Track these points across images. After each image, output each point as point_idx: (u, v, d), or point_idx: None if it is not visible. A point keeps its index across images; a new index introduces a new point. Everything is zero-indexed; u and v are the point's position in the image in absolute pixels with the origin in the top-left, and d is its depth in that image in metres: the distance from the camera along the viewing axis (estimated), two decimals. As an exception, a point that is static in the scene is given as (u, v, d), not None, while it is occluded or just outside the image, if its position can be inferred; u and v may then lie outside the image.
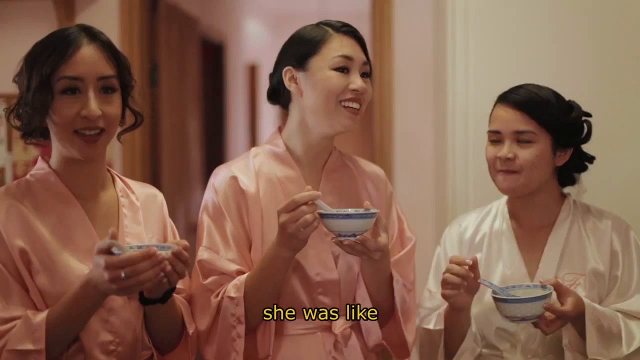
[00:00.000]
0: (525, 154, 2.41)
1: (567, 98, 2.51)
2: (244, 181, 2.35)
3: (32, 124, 2.03)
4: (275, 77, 2.42)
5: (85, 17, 4.16)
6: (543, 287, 2.31)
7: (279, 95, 2.43)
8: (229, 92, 7.25)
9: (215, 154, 6.58)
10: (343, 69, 2.30)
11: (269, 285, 2.24)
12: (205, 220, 2.35)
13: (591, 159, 2.55)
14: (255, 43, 8.49)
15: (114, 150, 4.16)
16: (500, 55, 3.39)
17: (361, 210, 2.19)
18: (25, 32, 4.05)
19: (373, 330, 2.37)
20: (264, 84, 8.62)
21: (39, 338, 1.89)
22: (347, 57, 2.30)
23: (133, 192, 2.19)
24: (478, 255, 2.49)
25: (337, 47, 2.30)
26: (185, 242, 1.97)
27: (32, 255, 1.96)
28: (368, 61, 2.35)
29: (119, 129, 2.13)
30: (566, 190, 2.58)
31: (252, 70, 8.50)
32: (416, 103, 4.07)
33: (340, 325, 2.35)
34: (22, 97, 2.02)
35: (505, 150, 2.42)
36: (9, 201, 2.01)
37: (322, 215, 2.16)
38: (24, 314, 1.92)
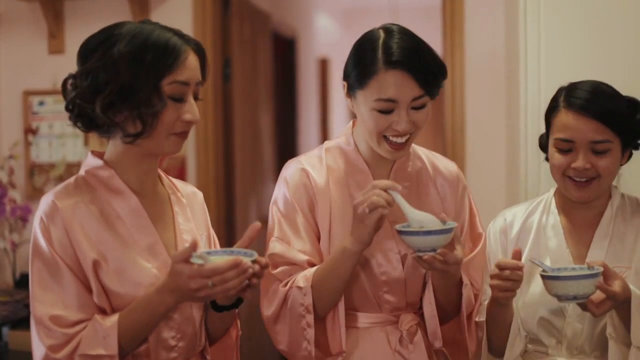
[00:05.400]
0: (603, 163, 2.37)
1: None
2: (314, 175, 2.36)
3: (124, 128, 1.98)
4: None
5: (159, 13, 4.22)
6: (590, 268, 2.27)
7: None
8: (301, 86, 7.28)
9: (287, 147, 6.62)
10: (386, 111, 2.22)
11: (334, 278, 2.24)
12: (275, 212, 2.36)
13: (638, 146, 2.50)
14: (326, 37, 8.51)
15: (188, 145, 4.23)
16: (573, 49, 3.35)
17: (439, 225, 2.16)
18: (99, 25, 4.12)
19: (437, 336, 2.35)
20: (335, 78, 8.62)
21: (112, 343, 1.90)
22: (390, 101, 2.20)
23: (178, 190, 2.20)
24: (525, 251, 2.47)
25: (381, 88, 2.19)
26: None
27: (102, 261, 1.96)
28: (427, 91, 2.21)
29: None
30: None
31: (323, 65, 8.53)
32: (488, 97, 4.05)
33: (407, 321, 2.35)
34: (112, 90, 1.94)
35: (582, 161, 2.37)
36: (72, 200, 2.00)
37: (401, 233, 2.15)
38: (92, 317, 1.94)
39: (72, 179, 2.07)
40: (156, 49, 1.96)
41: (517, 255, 2.30)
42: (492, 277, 2.30)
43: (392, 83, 2.18)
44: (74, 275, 1.95)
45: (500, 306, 2.38)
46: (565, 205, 2.52)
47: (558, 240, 2.48)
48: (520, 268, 2.27)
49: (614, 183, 2.52)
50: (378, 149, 2.29)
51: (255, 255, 1.96)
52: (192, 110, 2.01)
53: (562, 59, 3.35)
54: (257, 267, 1.94)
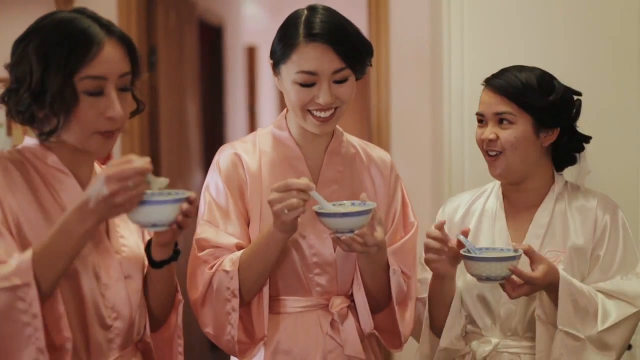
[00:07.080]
0: (505, 135, 2.46)
1: (562, 81, 2.52)
2: (247, 159, 2.38)
3: (45, 122, 1.96)
4: None
5: (83, 0, 4.16)
6: (515, 251, 2.33)
7: None
8: (228, 74, 7.25)
9: (214, 136, 6.59)
10: (307, 84, 2.24)
11: (260, 262, 2.26)
12: (207, 195, 2.38)
13: (586, 138, 2.57)
14: (254, 25, 8.47)
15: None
16: (496, 37, 3.40)
17: (357, 207, 2.18)
18: (22, 16, 4.04)
19: (367, 320, 2.37)
20: (263, 66, 8.55)
21: (26, 271, 1.82)
22: (310, 73, 2.23)
23: None
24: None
25: (302, 61, 2.23)
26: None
27: (25, 221, 1.92)
28: (348, 64, 2.25)
29: None
30: (568, 170, 2.59)
31: (251, 52, 8.50)
32: (413, 84, 4.08)
33: (337, 304, 2.37)
34: (28, 86, 1.93)
35: (487, 131, 2.49)
36: (3, 164, 1.97)
37: (319, 214, 2.16)
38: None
39: (6, 151, 2.04)
40: (69, 41, 1.92)
41: (466, 233, 2.37)
42: (426, 236, 2.39)
43: (312, 56, 2.22)
44: (5, 227, 1.89)
45: (439, 280, 2.44)
46: (506, 191, 2.60)
47: (500, 223, 2.55)
48: (435, 238, 2.36)
49: (578, 181, 2.57)
50: (304, 123, 2.31)
51: (189, 194, 1.95)
52: (112, 105, 1.96)
53: (485, 46, 3.40)
54: (185, 205, 1.93)
